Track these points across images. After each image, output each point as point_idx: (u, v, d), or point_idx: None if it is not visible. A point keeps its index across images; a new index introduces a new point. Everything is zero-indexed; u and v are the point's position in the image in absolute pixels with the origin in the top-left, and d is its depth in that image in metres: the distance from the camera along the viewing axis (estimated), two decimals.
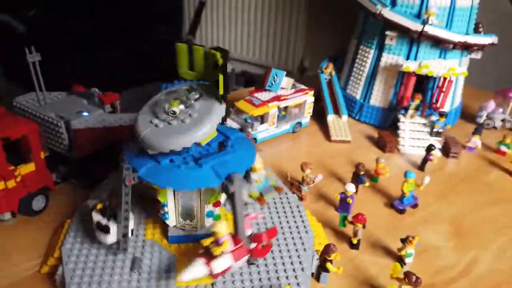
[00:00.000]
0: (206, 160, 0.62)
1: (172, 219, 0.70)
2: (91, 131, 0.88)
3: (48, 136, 0.87)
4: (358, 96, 1.30)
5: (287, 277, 0.66)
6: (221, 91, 0.60)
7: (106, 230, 0.64)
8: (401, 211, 0.92)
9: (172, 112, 0.61)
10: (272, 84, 1.12)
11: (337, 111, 1.27)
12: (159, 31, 3.16)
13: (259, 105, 1.06)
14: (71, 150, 0.87)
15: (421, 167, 1.08)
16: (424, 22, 1.09)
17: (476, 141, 1.17)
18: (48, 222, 0.83)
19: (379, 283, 0.74)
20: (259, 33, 3.28)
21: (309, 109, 1.21)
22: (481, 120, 1.33)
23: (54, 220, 0.83)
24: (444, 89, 1.15)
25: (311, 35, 3.13)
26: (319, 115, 1.29)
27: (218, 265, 0.58)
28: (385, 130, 1.22)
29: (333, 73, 1.38)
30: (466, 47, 1.15)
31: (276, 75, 1.12)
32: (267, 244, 0.64)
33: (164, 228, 0.73)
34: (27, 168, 0.79)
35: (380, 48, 1.22)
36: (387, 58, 1.21)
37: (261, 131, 1.10)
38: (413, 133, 1.18)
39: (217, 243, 0.60)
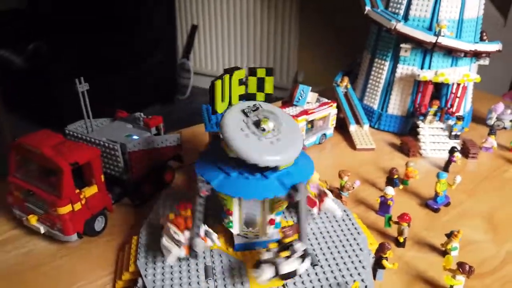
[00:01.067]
0: (271, 172, 0.68)
1: (236, 227, 0.75)
2: (143, 153, 0.94)
3: (103, 160, 0.92)
4: (375, 106, 1.38)
5: (351, 275, 0.71)
6: (271, 90, 0.68)
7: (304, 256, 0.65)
8: (436, 210, 0.98)
9: (263, 128, 0.66)
10: (299, 99, 1.19)
11: (357, 121, 1.34)
12: (154, 56, 3.24)
13: None
14: (126, 172, 0.92)
15: (445, 168, 1.15)
16: (437, 34, 1.18)
17: (492, 141, 1.25)
18: (109, 240, 0.87)
19: (429, 277, 0.79)
20: (253, 51, 3.38)
21: (332, 121, 1.28)
22: (491, 122, 1.41)
23: (115, 239, 0.87)
24: (459, 95, 1.23)
25: (304, 50, 3.24)
26: (340, 126, 1.35)
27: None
28: (406, 136, 1.29)
29: (349, 86, 1.45)
30: (476, 55, 1.23)
31: (303, 91, 1.19)
32: None
33: (227, 237, 0.78)
34: (91, 191, 0.84)
35: (395, 60, 1.30)
36: (402, 69, 1.29)
37: None
38: (433, 137, 1.25)
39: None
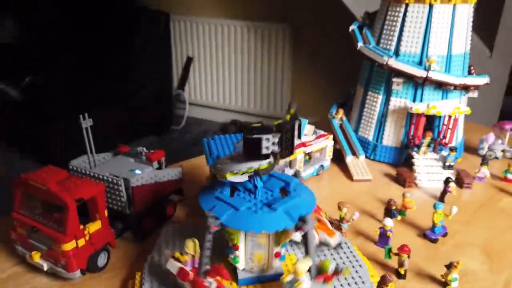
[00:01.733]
0: (278, 205, 0.70)
1: (242, 262, 0.76)
2: (146, 187, 0.95)
3: (106, 194, 0.93)
4: (370, 138, 1.41)
5: None
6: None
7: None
8: (434, 241, 1.00)
9: None
10: None
11: (353, 153, 1.37)
12: (150, 88, 3.29)
13: None
14: (129, 206, 0.93)
15: (441, 198, 1.17)
16: (427, 69, 1.23)
17: (485, 171, 1.28)
18: (112, 277, 0.87)
19: None
20: (246, 83, 3.45)
21: (329, 152, 1.30)
22: (483, 152, 1.45)
23: (117, 275, 0.87)
24: (451, 127, 1.28)
25: (297, 82, 3.32)
26: (336, 158, 1.38)
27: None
28: (401, 167, 1.32)
29: (344, 117, 1.49)
30: (465, 88, 1.29)
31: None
32: None
33: (230, 272, 0.79)
34: (95, 226, 0.85)
35: (388, 93, 1.35)
36: (395, 102, 1.33)
37: None
38: (428, 168, 1.28)
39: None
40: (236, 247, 0.74)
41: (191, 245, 0.70)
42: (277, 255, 0.76)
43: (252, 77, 3.42)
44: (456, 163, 1.29)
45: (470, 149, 1.51)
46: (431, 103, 1.24)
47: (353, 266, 0.82)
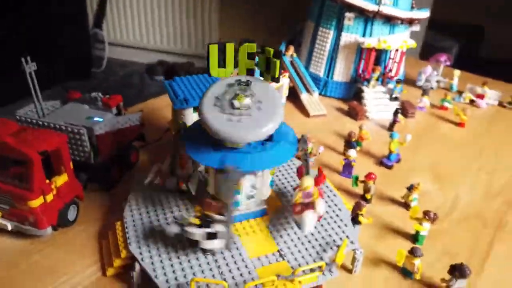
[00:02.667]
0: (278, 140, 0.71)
1: (242, 204, 0.76)
2: (110, 135, 0.89)
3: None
4: (321, 74, 1.44)
5: (336, 233, 0.77)
6: (276, 74, 0.68)
7: (215, 235, 0.68)
8: (390, 167, 1.08)
9: (243, 106, 0.66)
10: None
11: (307, 89, 1.39)
12: (63, 29, 2.98)
13: None
14: (93, 156, 0.87)
15: (390, 128, 1.26)
16: (378, 3, 1.25)
17: (426, 101, 1.39)
18: (85, 229, 0.83)
19: (395, 227, 0.89)
20: (171, 20, 3.24)
21: (286, 90, 1.31)
22: (420, 83, 1.55)
23: (90, 227, 0.84)
24: (397, 60, 1.34)
25: (225, 18, 3.19)
26: (289, 95, 1.40)
27: (321, 207, 0.70)
28: (352, 101, 1.38)
29: (295, 55, 1.49)
30: (410, 22, 1.34)
31: None
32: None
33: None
34: (61, 180, 0.79)
35: (339, 29, 1.36)
36: (346, 37, 1.36)
37: None
38: (376, 101, 1.35)
39: (308, 194, 0.70)
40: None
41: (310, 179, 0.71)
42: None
43: (177, 13, 3.21)
44: (401, 94, 1.37)
45: (407, 81, 1.60)
46: (382, 38, 1.28)
47: (328, 196, 0.87)
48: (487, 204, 0.98)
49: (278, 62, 0.67)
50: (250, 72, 0.72)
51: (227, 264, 0.70)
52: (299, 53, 1.53)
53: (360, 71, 1.35)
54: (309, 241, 0.75)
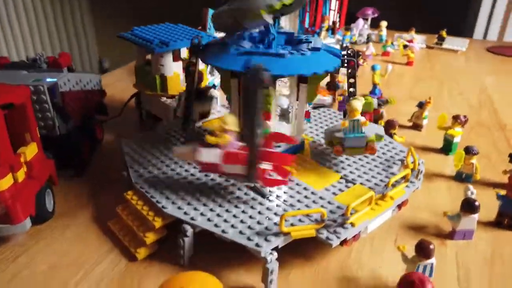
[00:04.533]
0: (317, 48, 0.59)
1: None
2: (76, 96, 0.67)
3: None
4: None
5: (389, 150, 0.68)
6: None
7: None
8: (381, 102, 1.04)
9: None
10: (211, 26, 1.06)
11: None
12: None
13: None
14: (62, 124, 0.64)
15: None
16: None
17: (371, 48, 1.40)
18: (71, 221, 0.60)
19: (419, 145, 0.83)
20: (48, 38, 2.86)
21: None
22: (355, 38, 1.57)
23: (79, 217, 0.60)
24: (341, 9, 1.32)
25: (102, 35, 2.89)
26: None
27: (205, 153, 0.53)
28: None
29: None
30: None
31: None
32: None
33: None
34: (31, 151, 0.55)
35: None
36: None
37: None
38: None
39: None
40: (268, 116, 0.59)
41: (231, 120, 0.51)
42: (307, 114, 0.64)
43: (54, 31, 2.85)
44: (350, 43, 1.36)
45: None
46: None
47: None
48: (480, 113, 0.99)
49: None
50: None
51: (298, 201, 0.55)
52: None
53: (307, 25, 1.30)
54: (367, 163, 0.64)
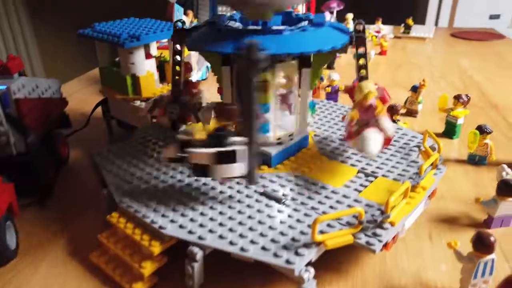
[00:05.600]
0: (320, 22, 0.52)
1: (272, 131, 0.54)
2: (34, 104, 0.55)
3: None
4: None
5: (401, 137, 0.61)
6: None
7: (232, 157, 0.43)
8: None
9: None
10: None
11: None
12: None
13: None
14: (18, 140, 0.52)
15: (330, 66, 1.17)
16: None
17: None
18: (42, 259, 0.48)
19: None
20: None
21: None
22: None
23: (48, 252, 0.49)
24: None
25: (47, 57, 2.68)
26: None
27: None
28: None
29: (195, 20, 1.29)
30: None
31: (178, 11, 0.97)
32: None
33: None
34: None
35: None
36: None
37: None
38: None
39: (369, 109, 0.50)
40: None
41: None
42: (314, 92, 0.57)
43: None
44: None
45: None
46: None
47: None
48: (481, 97, 0.96)
49: None
50: None
51: (320, 202, 0.47)
52: (200, 18, 1.33)
53: None
54: (383, 153, 0.57)
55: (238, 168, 0.43)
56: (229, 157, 0.42)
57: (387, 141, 0.50)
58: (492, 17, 3.06)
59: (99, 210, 0.52)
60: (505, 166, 0.54)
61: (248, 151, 0.42)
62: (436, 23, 2.73)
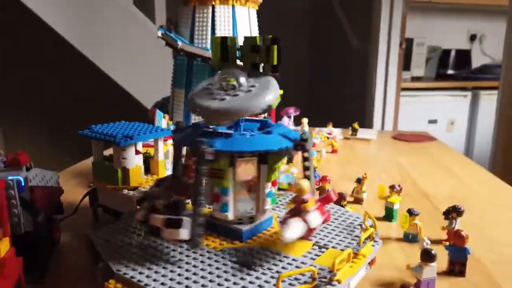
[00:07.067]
0: (272, 130, 0.66)
1: (231, 211, 0.66)
2: (43, 191, 0.66)
3: None
4: None
5: (349, 216, 0.75)
6: (275, 62, 0.66)
7: (178, 224, 0.57)
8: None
9: (231, 86, 0.62)
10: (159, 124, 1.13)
11: None
12: None
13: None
14: (26, 221, 0.61)
15: (290, 161, 1.34)
16: None
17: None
18: None
19: None
20: None
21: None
22: None
23: None
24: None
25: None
26: None
27: (313, 218, 0.60)
28: None
29: (171, 122, 1.46)
30: None
31: (159, 116, 1.14)
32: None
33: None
34: (5, 246, 0.52)
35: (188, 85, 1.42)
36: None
37: None
38: None
39: (302, 201, 0.61)
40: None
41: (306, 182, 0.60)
42: (274, 184, 0.69)
43: None
44: None
45: None
46: None
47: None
48: (405, 186, 1.13)
49: (275, 48, 0.66)
50: (254, 67, 0.69)
51: (283, 268, 0.58)
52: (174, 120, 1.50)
53: None
54: (332, 230, 0.71)
55: (183, 233, 0.58)
56: (177, 223, 0.58)
57: (309, 232, 0.61)
58: (431, 121, 3.51)
59: (92, 285, 0.60)
60: (425, 238, 0.68)
61: (192, 221, 0.57)
62: (382, 127, 3.09)
